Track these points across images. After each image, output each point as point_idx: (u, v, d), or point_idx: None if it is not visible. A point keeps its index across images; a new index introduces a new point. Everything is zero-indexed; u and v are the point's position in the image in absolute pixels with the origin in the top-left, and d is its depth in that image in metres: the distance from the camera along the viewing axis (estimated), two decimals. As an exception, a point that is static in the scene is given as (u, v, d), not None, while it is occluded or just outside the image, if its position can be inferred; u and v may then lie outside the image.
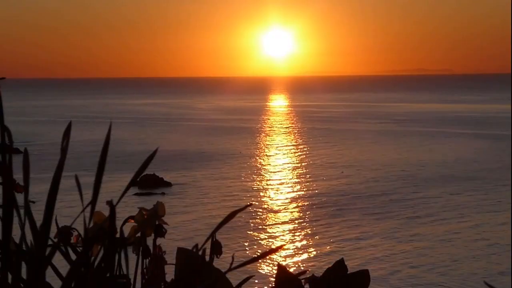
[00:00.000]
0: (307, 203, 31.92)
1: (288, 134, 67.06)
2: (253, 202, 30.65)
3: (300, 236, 25.96)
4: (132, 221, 2.35)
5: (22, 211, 1.91)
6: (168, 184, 35.69)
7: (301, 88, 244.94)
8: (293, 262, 22.39)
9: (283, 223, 28.11)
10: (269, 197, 33.29)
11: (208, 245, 2.27)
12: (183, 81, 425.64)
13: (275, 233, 26.43)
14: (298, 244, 24.77)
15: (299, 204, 31.67)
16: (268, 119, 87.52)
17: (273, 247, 21.32)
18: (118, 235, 2.13)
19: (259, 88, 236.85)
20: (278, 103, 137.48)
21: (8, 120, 1.96)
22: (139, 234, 2.34)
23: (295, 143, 57.91)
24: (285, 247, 23.82)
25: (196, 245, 2.21)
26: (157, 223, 2.36)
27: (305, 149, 53.61)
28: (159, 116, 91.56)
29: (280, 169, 42.59)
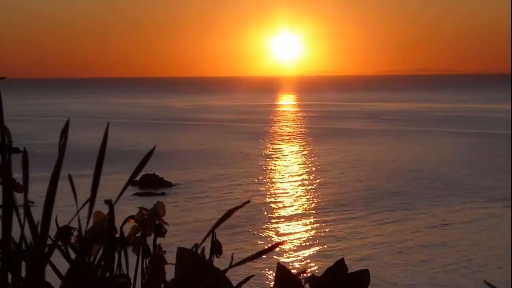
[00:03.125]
0: (307, 202, 31.92)
1: (288, 133, 67.04)
2: (252, 201, 30.65)
3: (300, 236, 25.96)
4: (132, 221, 2.35)
5: (21, 211, 1.91)
6: (168, 184, 35.67)
7: (304, 88, 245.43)
8: (293, 262, 22.38)
9: (283, 222, 28.10)
10: (268, 196, 33.28)
11: (207, 244, 2.27)
12: (197, 81, 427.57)
13: (275, 232, 26.43)
14: (298, 244, 24.77)
15: (299, 204, 31.67)
16: (269, 118, 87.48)
17: (271, 245, 21.22)
18: (118, 235, 2.13)
19: (266, 88, 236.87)
20: (281, 102, 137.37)
21: (7, 119, 1.96)
22: (139, 234, 2.34)
23: (295, 143, 57.90)
24: (285, 246, 23.81)
25: (196, 245, 2.21)
26: (157, 223, 2.35)
27: (305, 148, 53.61)
28: (161, 116, 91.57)
29: (280, 168, 42.59)
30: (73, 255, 2.07)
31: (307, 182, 37.43)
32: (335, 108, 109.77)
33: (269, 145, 56.09)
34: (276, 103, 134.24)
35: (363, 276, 2.77)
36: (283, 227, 27.34)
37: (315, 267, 21.21)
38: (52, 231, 1.98)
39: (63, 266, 2.00)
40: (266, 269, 20.41)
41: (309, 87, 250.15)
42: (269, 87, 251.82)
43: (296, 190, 35.18)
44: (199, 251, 2.22)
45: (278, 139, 61.31)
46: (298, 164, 44.73)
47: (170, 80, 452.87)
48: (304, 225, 27.76)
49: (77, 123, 70.83)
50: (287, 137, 62.89)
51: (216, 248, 2.38)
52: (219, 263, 2.36)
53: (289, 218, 28.84)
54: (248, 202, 2.01)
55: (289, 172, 41.23)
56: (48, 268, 1.95)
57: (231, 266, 2.06)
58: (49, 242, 1.93)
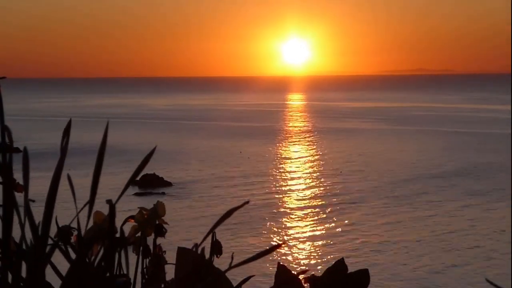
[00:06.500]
0: (306, 202, 31.93)
1: (287, 133, 67.04)
2: (251, 200, 30.65)
3: (300, 235, 25.97)
4: (132, 221, 2.35)
5: (22, 211, 1.91)
6: (168, 184, 35.65)
7: (307, 88, 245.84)
8: (293, 261, 22.39)
9: (283, 222, 28.10)
10: (268, 196, 33.27)
11: (207, 243, 2.27)
12: (203, 80, 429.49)
13: (274, 232, 26.43)
14: (298, 243, 24.77)
15: (298, 203, 31.68)
16: (268, 118, 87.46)
17: (272, 245, 21.14)
18: (118, 235, 2.13)
19: (271, 88, 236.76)
20: (281, 102, 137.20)
21: (8, 119, 1.96)
22: (139, 234, 2.34)
23: (295, 142, 57.92)
24: (285, 246, 23.81)
25: (196, 244, 2.21)
26: (157, 222, 2.35)
27: (304, 148, 53.63)
28: (162, 116, 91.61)
29: (279, 168, 42.59)
30: (73, 255, 2.07)
31: (306, 182, 37.43)
32: (335, 107, 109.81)
33: (269, 145, 56.07)
34: (278, 102, 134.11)
35: (363, 275, 2.77)
36: (282, 227, 27.34)
37: (315, 267, 21.21)
38: (52, 231, 1.98)
39: (63, 266, 2.00)
40: (266, 269, 20.40)
41: (311, 87, 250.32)
42: (274, 87, 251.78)
43: (295, 189, 35.18)
44: (199, 251, 2.22)
45: (278, 139, 61.30)
46: (297, 164, 44.72)
47: (175, 80, 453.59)
48: (304, 224, 27.76)
49: (77, 122, 70.86)
50: (287, 137, 62.87)
51: (216, 248, 2.38)
52: (219, 263, 2.36)
53: (288, 217, 28.84)
54: (247, 202, 2.01)
55: (288, 172, 41.23)
56: (48, 268, 1.95)
57: (230, 267, 2.06)
58: (49, 242, 1.93)
